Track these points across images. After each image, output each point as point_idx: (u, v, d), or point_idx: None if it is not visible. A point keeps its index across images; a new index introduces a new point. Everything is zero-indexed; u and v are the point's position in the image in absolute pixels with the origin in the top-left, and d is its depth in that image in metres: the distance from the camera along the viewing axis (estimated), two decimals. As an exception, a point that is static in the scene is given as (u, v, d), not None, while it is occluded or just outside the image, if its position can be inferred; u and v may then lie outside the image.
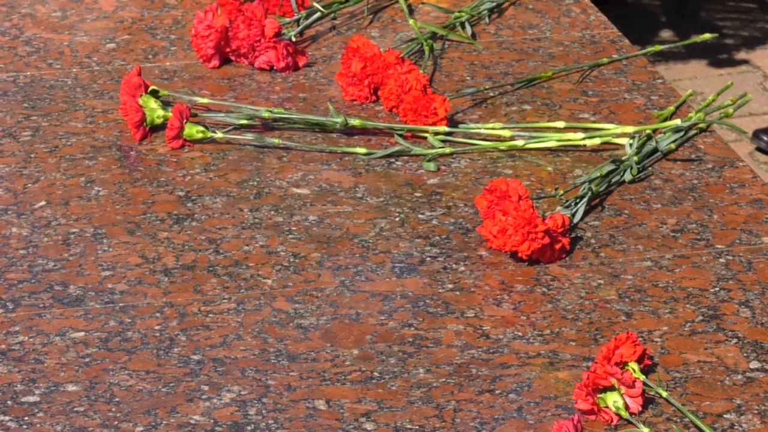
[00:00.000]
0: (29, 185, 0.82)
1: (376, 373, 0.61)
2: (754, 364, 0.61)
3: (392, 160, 0.86)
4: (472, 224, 0.77)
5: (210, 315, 0.66)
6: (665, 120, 0.86)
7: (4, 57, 1.01)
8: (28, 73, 0.99)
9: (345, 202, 0.81)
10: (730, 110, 0.88)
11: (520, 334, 0.65)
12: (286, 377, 0.60)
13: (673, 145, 0.86)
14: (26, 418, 0.56)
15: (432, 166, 0.85)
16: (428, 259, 0.74)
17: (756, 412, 0.57)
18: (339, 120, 0.88)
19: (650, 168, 0.85)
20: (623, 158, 0.83)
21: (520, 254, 0.71)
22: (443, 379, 0.60)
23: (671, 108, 0.91)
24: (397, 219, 0.79)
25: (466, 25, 1.05)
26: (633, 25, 2.02)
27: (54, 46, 1.04)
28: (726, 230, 0.77)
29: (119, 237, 0.75)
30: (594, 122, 0.90)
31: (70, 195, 0.80)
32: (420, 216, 0.79)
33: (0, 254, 0.72)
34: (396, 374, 0.61)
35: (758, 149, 1.90)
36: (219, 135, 0.88)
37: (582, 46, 1.05)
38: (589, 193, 0.78)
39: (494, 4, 1.09)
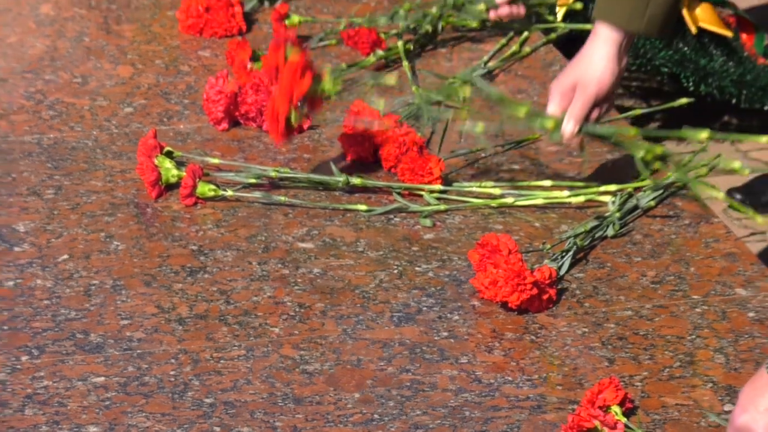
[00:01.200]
0: (53, 240, 0.88)
1: (376, 415, 0.65)
2: (728, 407, 0.66)
3: (391, 216, 0.93)
4: (465, 276, 0.82)
5: (221, 361, 0.71)
6: (645, 179, 0.93)
7: (29, 120, 1.09)
8: (52, 135, 1.06)
9: (347, 255, 0.87)
10: (704, 170, 0.95)
11: (510, 378, 0.70)
12: (293, 419, 0.65)
13: (652, 203, 0.93)
14: (51, 457, 0.60)
15: (428, 222, 0.91)
16: (425, 308, 0.79)
17: (729, 451, 0.61)
18: (341, 179, 0.94)
19: (631, 224, 0.91)
20: (606, 215, 0.90)
21: (510, 304, 0.76)
22: (439, 421, 0.65)
23: (651, 168, 0.98)
24: (396, 271, 0.84)
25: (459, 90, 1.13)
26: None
27: (75, 110, 1.12)
28: (702, 282, 0.83)
29: (136, 288, 0.80)
30: (578, 181, 0.98)
31: (91, 249, 0.86)
32: (417, 268, 0.85)
33: (26, 304, 0.77)
34: (395, 416, 0.65)
35: (731, 207, 1.97)
36: (229, 193, 0.94)
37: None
38: (574, 247, 0.84)
39: (485, 71, 1.18)
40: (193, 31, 1.27)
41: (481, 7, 1.20)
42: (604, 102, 0.89)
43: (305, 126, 1.06)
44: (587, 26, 1.09)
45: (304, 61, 0.91)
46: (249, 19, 1.30)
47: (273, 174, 0.96)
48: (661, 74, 1.42)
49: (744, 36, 1.38)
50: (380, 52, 1.19)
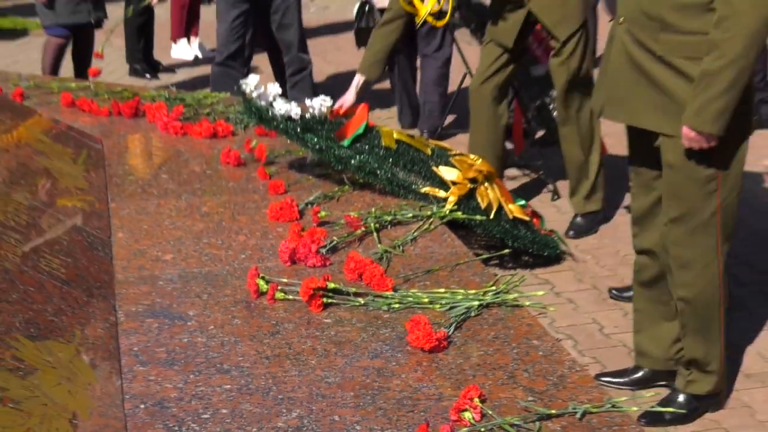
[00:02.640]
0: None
1: None
2: None
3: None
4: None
5: None
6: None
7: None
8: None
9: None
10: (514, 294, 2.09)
11: (428, 383, 1.75)
12: None
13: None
14: None
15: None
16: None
17: None
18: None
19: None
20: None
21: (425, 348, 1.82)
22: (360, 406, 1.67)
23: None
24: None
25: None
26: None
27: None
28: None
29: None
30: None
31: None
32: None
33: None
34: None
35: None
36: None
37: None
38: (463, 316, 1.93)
39: (414, 235, 2.32)
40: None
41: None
42: None
43: (327, 263, 2.16)
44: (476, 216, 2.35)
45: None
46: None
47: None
48: (495, 237, 2.76)
49: (536, 220, 2.87)
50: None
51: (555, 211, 3.76)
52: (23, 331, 1.75)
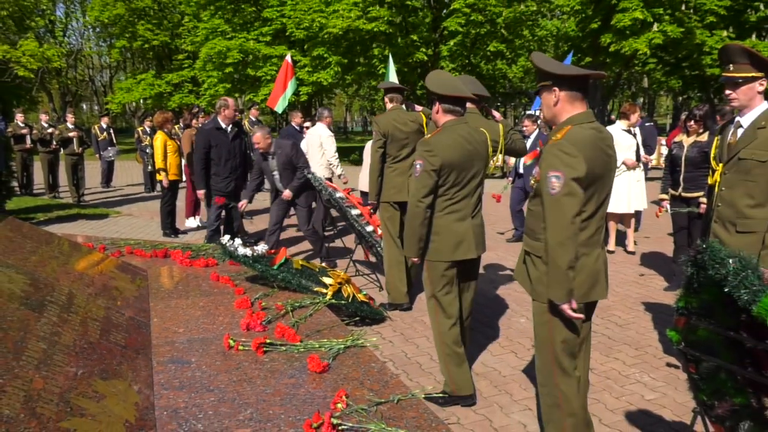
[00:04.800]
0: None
1: None
2: None
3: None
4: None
5: None
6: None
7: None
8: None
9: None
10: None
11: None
12: None
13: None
14: None
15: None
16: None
17: None
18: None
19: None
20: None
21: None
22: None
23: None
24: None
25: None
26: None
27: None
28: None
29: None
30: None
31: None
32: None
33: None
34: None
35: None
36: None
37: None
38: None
39: (311, 312, 3.97)
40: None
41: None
42: None
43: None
44: (342, 301, 4.04)
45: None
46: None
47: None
48: (350, 311, 4.52)
49: (371, 301, 4.59)
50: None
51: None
52: (98, 375, 3.13)
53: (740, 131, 3.36)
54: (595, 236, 2.72)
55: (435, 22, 22.98)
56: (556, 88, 2.69)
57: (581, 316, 2.63)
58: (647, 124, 11.22)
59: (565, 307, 2.57)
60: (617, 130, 7.49)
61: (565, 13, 24.25)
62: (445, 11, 23.11)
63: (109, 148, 14.81)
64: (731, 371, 2.41)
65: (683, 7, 19.62)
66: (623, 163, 7.52)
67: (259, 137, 6.52)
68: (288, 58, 11.01)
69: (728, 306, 2.26)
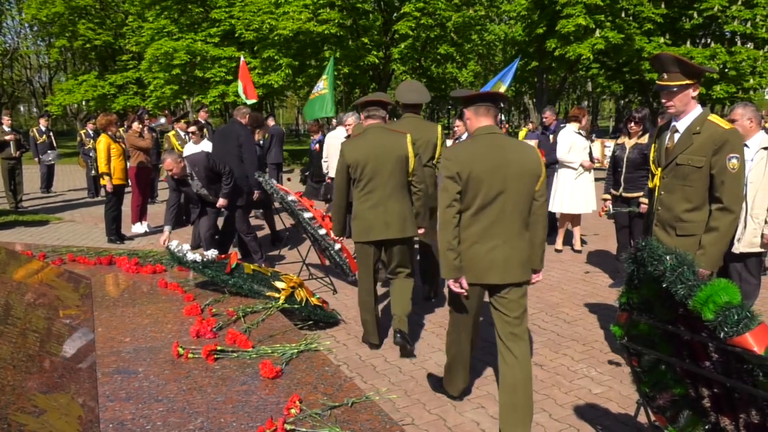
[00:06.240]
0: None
1: None
2: None
3: (241, 358, 3.56)
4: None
5: None
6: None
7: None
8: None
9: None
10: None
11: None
12: None
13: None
14: None
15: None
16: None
17: None
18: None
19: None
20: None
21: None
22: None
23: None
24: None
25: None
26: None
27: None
28: None
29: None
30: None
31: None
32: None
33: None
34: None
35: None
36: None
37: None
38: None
39: (263, 317, 3.92)
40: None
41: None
42: None
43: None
44: (295, 305, 4.00)
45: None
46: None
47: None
48: (303, 315, 4.47)
49: (325, 305, 4.53)
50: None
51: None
52: (38, 389, 3.02)
53: (677, 136, 3.49)
54: (492, 230, 3.17)
55: (386, 25, 23.09)
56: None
57: (462, 291, 3.23)
58: (563, 125, 11.50)
59: (450, 282, 3.22)
60: (570, 132, 7.69)
61: (512, 18, 24.76)
62: (395, 15, 23.25)
63: (49, 151, 14.30)
64: (670, 363, 2.50)
65: (623, 15, 20.30)
66: (580, 165, 7.72)
67: (170, 163, 6.10)
68: (242, 59, 11.41)
69: (666, 300, 2.36)
